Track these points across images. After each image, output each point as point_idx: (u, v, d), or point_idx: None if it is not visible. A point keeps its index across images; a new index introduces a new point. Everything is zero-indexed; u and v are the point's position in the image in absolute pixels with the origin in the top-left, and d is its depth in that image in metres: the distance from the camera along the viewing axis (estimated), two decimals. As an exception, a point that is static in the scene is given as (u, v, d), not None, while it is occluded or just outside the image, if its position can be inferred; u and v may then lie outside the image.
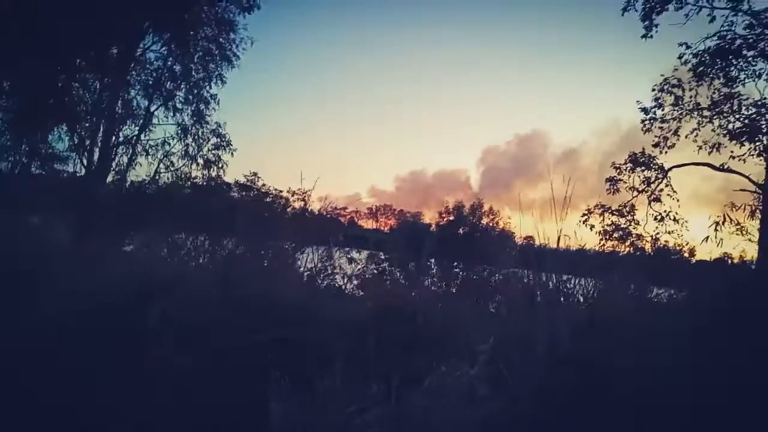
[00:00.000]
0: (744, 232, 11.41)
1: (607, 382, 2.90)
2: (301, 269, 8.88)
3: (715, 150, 12.34)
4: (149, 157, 13.28)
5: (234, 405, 3.76)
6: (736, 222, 11.39)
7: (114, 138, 12.76)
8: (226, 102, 14.14)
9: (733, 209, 11.59)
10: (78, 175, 13.03)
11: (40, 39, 10.55)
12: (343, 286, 9.87)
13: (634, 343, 3.25)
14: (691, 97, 12.56)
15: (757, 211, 11.28)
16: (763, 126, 11.62)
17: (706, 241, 11.44)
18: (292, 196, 11.25)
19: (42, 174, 13.66)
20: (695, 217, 12.36)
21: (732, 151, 12.04)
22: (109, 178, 12.88)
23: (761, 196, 11.25)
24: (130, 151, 13.03)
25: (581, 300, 4.77)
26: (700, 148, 12.58)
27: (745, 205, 11.56)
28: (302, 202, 11.04)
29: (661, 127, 12.98)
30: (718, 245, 11.31)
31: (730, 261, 11.49)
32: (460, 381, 2.77)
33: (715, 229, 11.35)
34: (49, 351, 4.60)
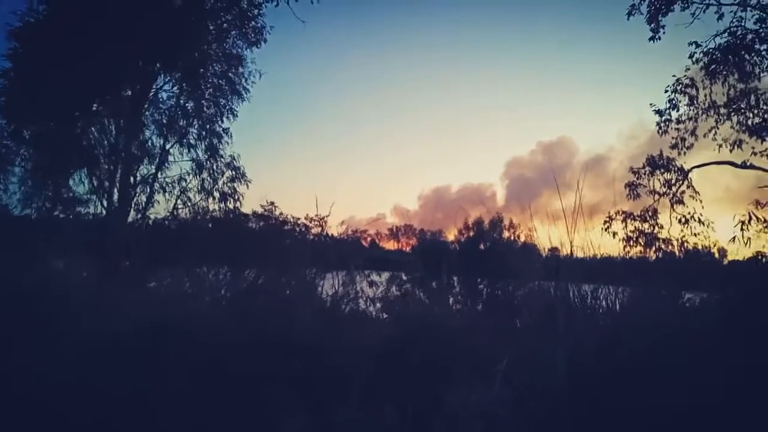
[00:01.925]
0: (773, 229, 10.96)
1: (630, 404, 2.76)
2: (323, 295, 8.84)
3: (736, 147, 12.10)
4: (167, 194, 13.50)
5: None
6: (763, 220, 10.96)
7: (132, 178, 13.02)
8: (239, 134, 14.35)
9: (758, 207, 11.19)
10: (99, 216, 13.26)
11: (57, 87, 10.87)
12: (366, 310, 9.78)
13: (661, 359, 3.10)
14: (705, 95, 12.36)
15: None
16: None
17: (733, 241, 11.02)
18: (310, 222, 11.19)
19: (65, 217, 13.92)
20: (726, 217, 11.89)
21: (753, 147, 11.81)
22: (130, 218, 13.07)
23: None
24: (148, 189, 13.27)
25: (604, 312, 4.62)
26: (720, 146, 12.35)
27: (771, 201, 11.17)
28: (319, 228, 10.97)
29: (677, 129, 12.76)
30: (746, 244, 10.89)
31: (764, 259, 11.05)
32: (479, 404, 2.66)
33: (741, 229, 10.92)
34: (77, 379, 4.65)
